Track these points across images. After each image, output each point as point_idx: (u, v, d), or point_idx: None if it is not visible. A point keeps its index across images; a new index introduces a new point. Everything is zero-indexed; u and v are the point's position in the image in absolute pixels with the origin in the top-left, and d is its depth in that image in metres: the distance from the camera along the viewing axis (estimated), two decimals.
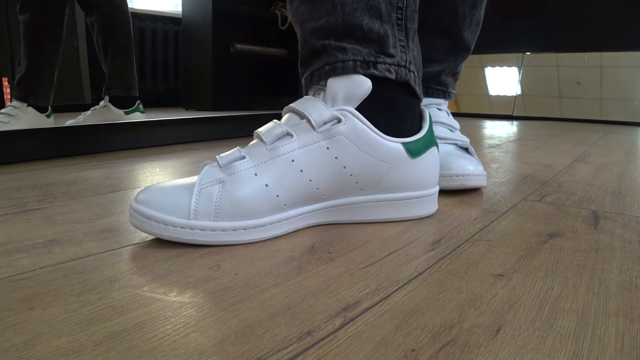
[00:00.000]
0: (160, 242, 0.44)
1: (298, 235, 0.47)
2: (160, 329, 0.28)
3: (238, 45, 2.55)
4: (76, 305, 0.31)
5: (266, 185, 0.44)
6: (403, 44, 0.50)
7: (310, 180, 0.45)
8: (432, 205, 0.54)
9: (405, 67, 0.50)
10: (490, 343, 0.28)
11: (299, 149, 0.45)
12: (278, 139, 0.46)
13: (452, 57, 0.76)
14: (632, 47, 2.32)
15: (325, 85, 0.48)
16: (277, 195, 0.44)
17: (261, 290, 0.34)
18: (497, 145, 1.28)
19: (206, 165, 0.45)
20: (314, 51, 0.49)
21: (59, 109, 1.43)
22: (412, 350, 0.27)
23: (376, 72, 0.48)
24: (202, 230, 0.42)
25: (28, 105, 1.25)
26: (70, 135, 1.00)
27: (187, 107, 2.51)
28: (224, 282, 0.35)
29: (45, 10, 1.26)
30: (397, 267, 0.39)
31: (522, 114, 2.51)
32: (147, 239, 0.44)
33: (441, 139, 0.71)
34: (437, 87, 0.75)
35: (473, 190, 0.68)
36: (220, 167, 0.45)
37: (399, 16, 0.50)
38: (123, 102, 1.36)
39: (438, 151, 0.54)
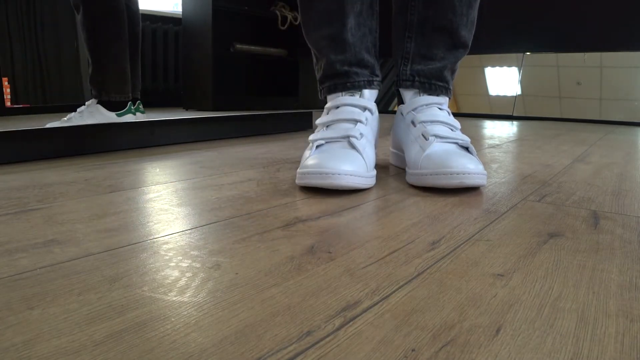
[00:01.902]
0: (159, 242, 0.44)
1: (298, 235, 0.47)
2: (160, 328, 0.28)
3: (238, 45, 2.55)
4: (76, 305, 0.31)
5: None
6: (378, 66, 0.82)
7: None
8: None
9: (381, 81, 0.83)
10: (490, 343, 0.28)
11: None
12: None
13: (451, 54, 0.79)
14: (632, 47, 2.32)
15: (359, 92, 0.78)
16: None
17: (261, 290, 0.34)
18: (497, 145, 1.28)
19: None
20: (337, 73, 0.78)
21: (59, 109, 1.42)
22: (412, 350, 0.27)
23: (374, 87, 0.80)
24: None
25: (98, 103, 1.23)
26: (70, 135, 1.00)
27: (187, 107, 2.51)
28: (224, 282, 0.35)
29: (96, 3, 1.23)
30: (397, 267, 0.39)
31: (522, 114, 2.51)
32: (146, 239, 0.44)
33: (442, 137, 0.71)
34: (439, 84, 0.78)
35: (473, 190, 0.68)
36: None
37: (375, 50, 0.82)
38: (115, 105, 1.35)
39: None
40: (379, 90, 0.83)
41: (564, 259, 0.41)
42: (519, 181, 0.77)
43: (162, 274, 0.36)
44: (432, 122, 0.74)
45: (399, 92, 0.83)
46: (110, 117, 1.24)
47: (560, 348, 0.27)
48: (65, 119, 1.24)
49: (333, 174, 0.62)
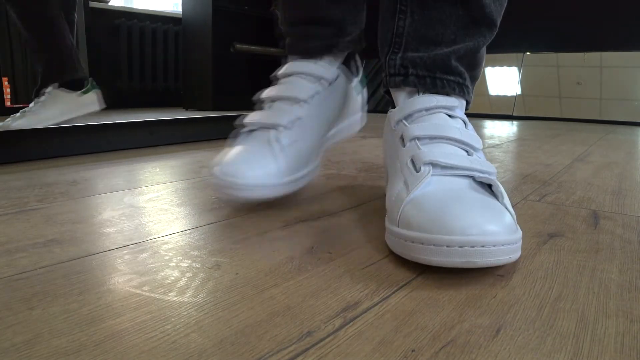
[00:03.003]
0: (159, 242, 0.44)
1: (298, 235, 0.47)
2: (160, 329, 0.28)
3: (238, 45, 2.55)
4: (76, 305, 0.31)
5: None
6: (359, 17, 0.63)
7: None
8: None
9: (360, 35, 0.65)
10: (490, 343, 0.28)
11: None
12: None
13: (468, 35, 0.50)
14: (632, 47, 2.32)
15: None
16: None
17: (261, 290, 0.34)
18: (497, 145, 1.28)
19: None
20: (288, 32, 0.62)
21: None
22: (412, 351, 0.27)
23: (338, 51, 0.62)
24: None
25: (57, 87, 1.18)
26: (70, 135, 1.00)
27: (187, 107, 2.50)
28: (224, 282, 0.35)
29: None
30: (397, 268, 0.39)
31: (522, 114, 2.51)
32: (146, 240, 0.44)
33: (445, 167, 0.42)
34: (448, 78, 0.50)
35: None
36: None
37: None
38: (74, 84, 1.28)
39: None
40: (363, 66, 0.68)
41: (564, 259, 0.41)
42: (519, 181, 0.76)
43: (162, 274, 0.36)
44: (432, 138, 0.45)
45: (389, 94, 0.55)
46: (72, 97, 1.17)
47: (560, 348, 0.27)
48: (26, 110, 1.18)
49: (236, 184, 0.51)
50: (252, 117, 0.59)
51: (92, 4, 2.30)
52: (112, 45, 2.44)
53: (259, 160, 0.53)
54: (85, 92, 1.22)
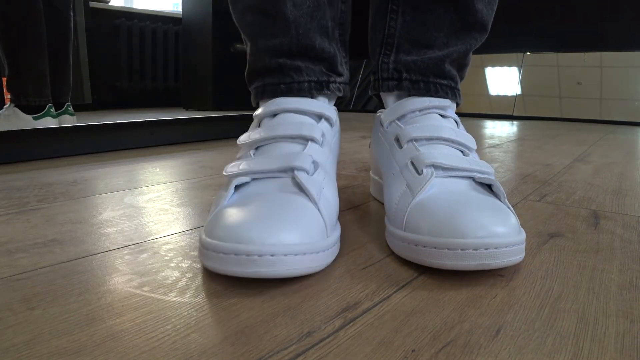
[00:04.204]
0: (160, 243, 0.44)
1: None
2: (160, 329, 0.28)
3: (238, 45, 2.55)
4: (76, 305, 0.31)
5: None
6: (346, 59, 0.53)
7: None
8: None
9: (348, 84, 0.54)
10: (491, 344, 0.28)
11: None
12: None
13: (460, 39, 0.51)
14: (632, 47, 2.32)
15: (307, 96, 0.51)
16: None
17: (261, 290, 0.34)
18: (498, 145, 1.28)
19: None
20: (267, 68, 0.49)
21: (58, 108, 1.41)
22: (412, 351, 0.27)
23: (329, 93, 0.50)
24: None
25: (15, 106, 1.17)
26: (71, 135, 1.00)
27: (187, 107, 2.50)
28: (224, 282, 0.35)
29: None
30: (398, 268, 0.39)
31: (522, 114, 2.51)
32: (147, 240, 0.44)
33: (446, 169, 0.42)
34: (440, 82, 0.51)
35: None
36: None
37: (340, 32, 0.52)
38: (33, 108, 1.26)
39: None
40: (349, 95, 0.56)
41: (564, 259, 0.41)
42: (519, 180, 0.77)
43: (163, 274, 0.36)
44: (429, 139, 0.46)
45: (379, 97, 0.56)
46: (26, 120, 1.17)
47: (560, 348, 0.27)
48: None
49: (261, 256, 0.32)
50: (241, 166, 0.42)
51: (92, 4, 2.30)
52: (112, 45, 2.44)
53: (294, 214, 0.36)
54: (38, 118, 1.20)
